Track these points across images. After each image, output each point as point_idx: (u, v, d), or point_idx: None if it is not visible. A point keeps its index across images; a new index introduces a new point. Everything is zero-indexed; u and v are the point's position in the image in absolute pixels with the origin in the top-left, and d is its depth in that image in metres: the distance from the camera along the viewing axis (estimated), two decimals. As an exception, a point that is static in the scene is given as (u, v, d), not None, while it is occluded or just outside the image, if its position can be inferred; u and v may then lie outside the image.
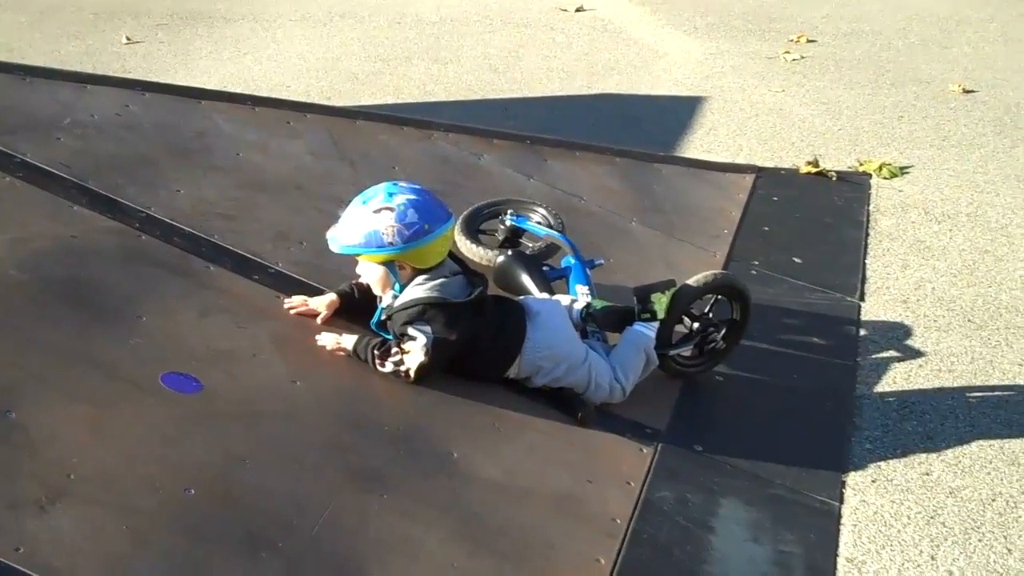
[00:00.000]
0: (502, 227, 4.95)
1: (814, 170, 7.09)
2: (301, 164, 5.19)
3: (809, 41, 10.29)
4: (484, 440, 3.80)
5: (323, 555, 3.07)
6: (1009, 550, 3.88)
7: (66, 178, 4.37)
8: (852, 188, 6.96)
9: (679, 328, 4.46)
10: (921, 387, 4.82)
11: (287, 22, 10.53)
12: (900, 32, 10.69)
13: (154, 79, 6.67)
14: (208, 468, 3.21)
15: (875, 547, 3.87)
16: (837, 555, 3.82)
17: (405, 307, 3.86)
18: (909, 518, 4.02)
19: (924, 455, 4.37)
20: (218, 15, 10.64)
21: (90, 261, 3.95)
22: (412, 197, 3.88)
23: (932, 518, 4.03)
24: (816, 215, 6.54)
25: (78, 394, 3.30)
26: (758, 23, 10.88)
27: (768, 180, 6.88)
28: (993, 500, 4.14)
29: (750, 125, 8.12)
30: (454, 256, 4.08)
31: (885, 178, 7.15)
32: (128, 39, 9.75)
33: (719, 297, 4.52)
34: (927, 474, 4.26)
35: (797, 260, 5.86)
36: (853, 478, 4.22)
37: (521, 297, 4.35)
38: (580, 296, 4.49)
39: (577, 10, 11.25)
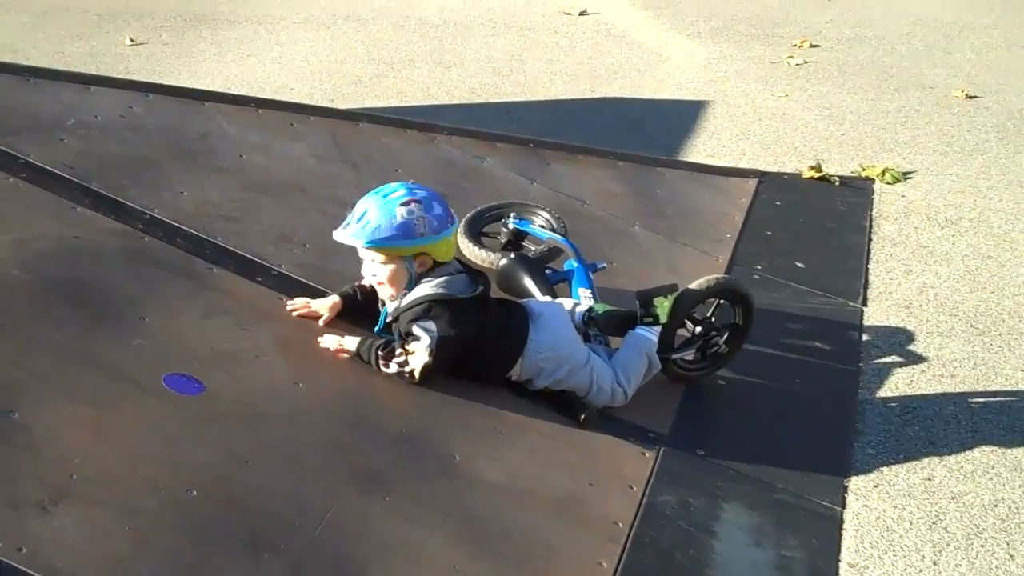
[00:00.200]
0: (505, 230, 4.96)
1: (817, 175, 7.09)
2: (304, 166, 5.20)
3: (812, 46, 10.29)
4: (486, 442, 3.80)
5: (325, 557, 3.07)
6: (1011, 556, 3.88)
7: (70, 179, 4.37)
8: (855, 193, 6.96)
9: (681, 332, 4.46)
10: (923, 392, 4.82)
11: (291, 24, 10.54)
12: (903, 37, 10.69)
13: (158, 81, 6.67)
14: (210, 469, 3.21)
15: (877, 552, 3.86)
16: (839, 560, 3.81)
17: (411, 306, 3.87)
18: (911, 523, 4.01)
19: (926, 460, 4.37)
20: (222, 17, 10.65)
21: (93, 262, 3.95)
22: (429, 191, 3.94)
23: (934, 523, 4.02)
24: (819, 220, 6.53)
25: (80, 395, 3.30)
26: (762, 28, 10.88)
27: (771, 185, 6.88)
28: (995, 506, 4.13)
29: (753, 130, 8.12)
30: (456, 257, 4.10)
31: (888, 183, 7.15)
32: (132, 40, 9.76)
33: (722, 301, 4.51)
34: (929, 479, 4.26)
35: (800, 265, 5.86)
36: (855, 483, 4.22)
37: (523, 300, 4.35)
38: (583, 300, 4.49)
39: (580, 14, 11.26)
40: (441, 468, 3.60)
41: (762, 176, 6.98)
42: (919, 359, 5.08)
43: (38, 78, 5.06)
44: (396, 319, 3.93)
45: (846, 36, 10.69)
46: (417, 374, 3.82)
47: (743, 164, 7.36)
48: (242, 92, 7.21)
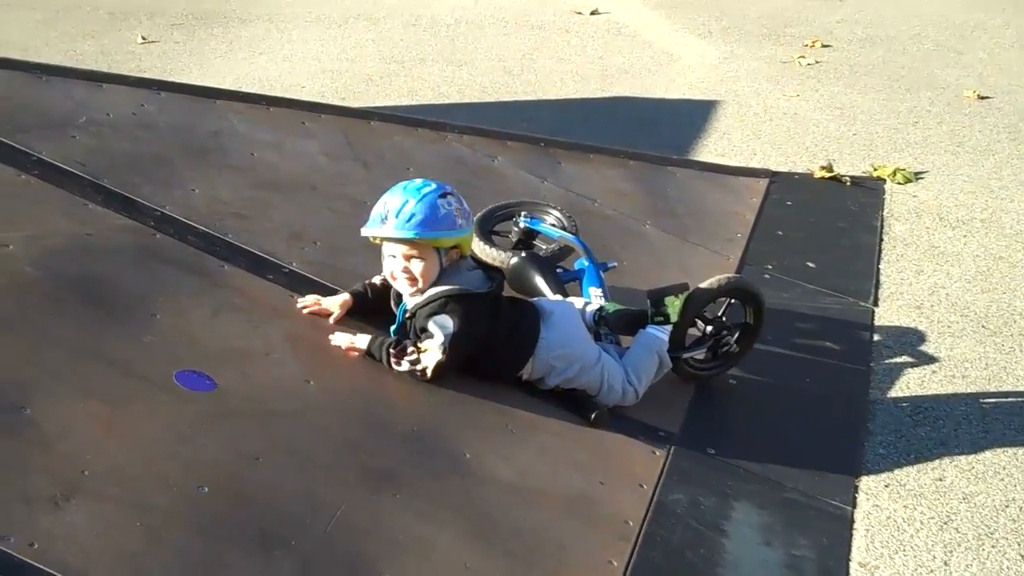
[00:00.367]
0: (516, 229, 4.95)
1: (828, 175, 7.08)
2: (315, 164, 5.20)
3: (824, 46, 10.28)
4: (497, 441, 3.80)
5: (336, 554, 3.07)
6: (1022, 556, 3.87)
7: (81, 176, 4.37)
8: (866, 193, 6.95)
9: (692, 331, 4.45)
10: (935, 392, 4.81)
11: (302, 23, 10.55)
12: (915, 38, 10.67)
13: (169, 78, 6.68)
14: (221, 466, 3.21)
15: (888, 552, 3.86)
16: (850, 560, 3.81)
17: (429, 301, 3.87)
18: (922, 523, 4.01)
19: (937, 461, 4.36)
20: (233, 15, 10.66)
21: (105, 259, 3.96)
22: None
23: (945, 524, 4.01)
24: (830, 220, 6.53)
25: (92, 391, 3.31)
26: (773, 27, 10.87)
27: (782, 184, 6.87)
28: (1007, 506, 4.12)
29: (764, 129, 8.12)
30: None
31: (899, 183, 7.14)
32: (143, 38, 9.78)
33: (732, 301, 4.51)
34: (940, 480, 4.25)
35: (811, 265, 5.85)
36: (866, 483, 4.22)
37: (534, 299, 4.35)
38: (593, 299, 4.49)
39: (592, 13, 11.26)
40: (452, 466, 3.60)
41: (773, 176, 6.97)
42: (930, 359, 5.07)
43: (50, 75, 5.07)
44: (413, 315, 3.93)
45: (857, 36, 10.68)
46: (430, 372, 3.82)
47: (754, 164, 7.36)
48: (253, 90, 7.22)
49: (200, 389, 3.49)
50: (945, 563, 3.82)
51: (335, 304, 4.07)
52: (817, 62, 9.80)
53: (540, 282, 4.53)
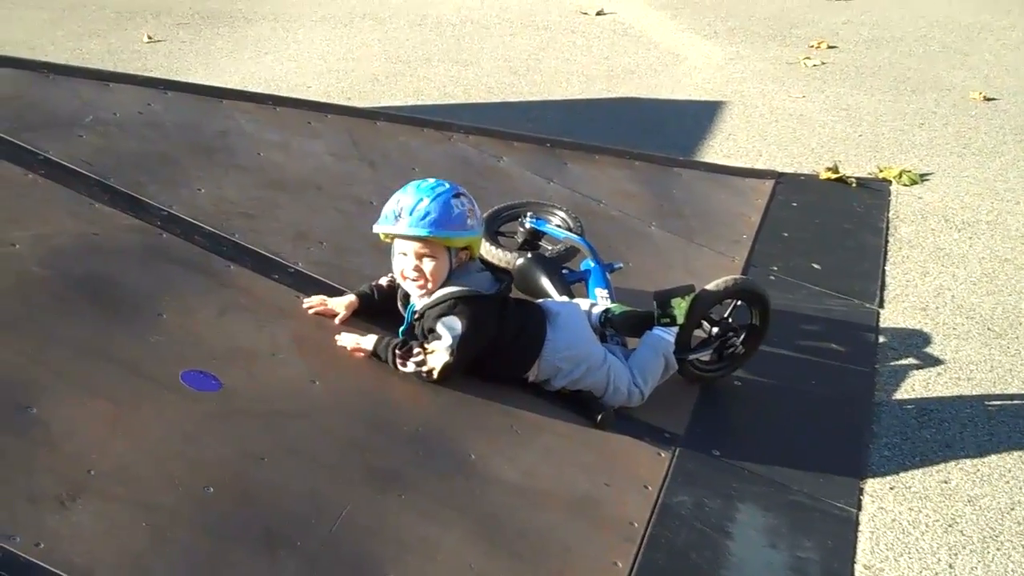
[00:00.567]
0: (521, 229, 4.95)
1: (834, 176, 7.08)
2: (321, 164, 5.20)
3: (830, 47, 10.28)
4: (502, 442, 3.80)
5: (341, 554, 3.08)
6: (1027, 559, 3.88)
7: (88, 176, 4.38)
8: (872, 195, 6.95)
9: (698, 333, 4.45)
10: (940, 395, 4.81)
11: (308, 22, 10.56)
12: (921, 39, 10.67)
13: (175, 78, 6.70)
14: (227, 466, 3.22)
15: (893, 554, 3.86)
16: (855, 562, 3.81)
17: (438, 302, 3.88)
18: (927, 526, 4.01)
19: (942, 463, 4.36)
20: (239, 15, 10.67)
21: (111, 258, 3.96)
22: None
23: (950, 526, 4.01)
24: (836, 221, 6.52)
25: (98, 390, 3.31)
26: (779, 28, 10.87)
27: (788, 186, 6.87)
28: (1012, 509, 4.12)
29: (770, 130, 8.12)
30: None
31: (905, 185, 7.14)
32: (149, 38, 9.79)
33: (738, 302, 4.51)
34: (945, 482, 4.25)
35: (816, 266, 5.85)
36: (871, 485, 4.21)
37: (540, 300, 4.35)
38: (599, 300, 4.49)
39: (598, 14, 11.26)
40: (457, 467, 3.60)
41: (779, 177, 6.97)
42: (935, 361, 5.07)
43: (57, 75, 5.08)
44: (421, 316, 3.93)
45: (863, 37, 10.68)
46: (436, 374, 3.82)
47: (760, 165, 7.36)
48: (259, 90, 7.22)
49: (206, 389, 3.49)
50: (950, 566, 3.82)
51: (341, 305, 4.07)
52: (823, 63, 9.80)
53: (546, 283, 4.53)
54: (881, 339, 5.25)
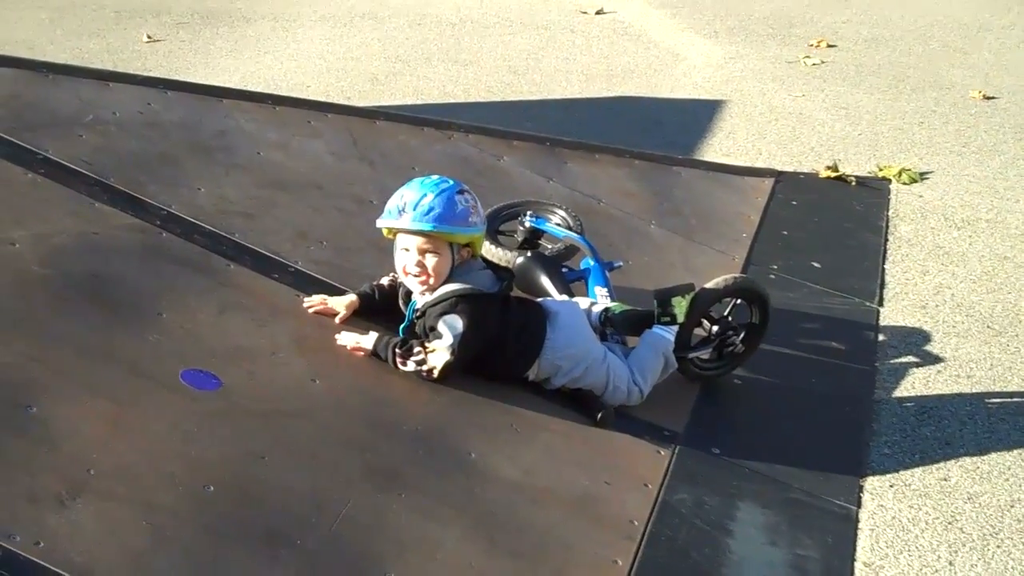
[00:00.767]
0: (521, 228, 4.95)
1: (833, 175, 7.08)
2: (321, 164, 5.20)
3: (829, 46, 10.27)
4: (502, 440, 3.81)
5: (341, 553, 3.08)
6: (1027, 557, 3.88)
7: (88, 175, 4.38)
8: (871, 193, 6.94)
9: (698, 331, 4.46)
10: (939, 392, 4.81)
11: (307, 22, 10.55)
12: (921, 38, 10.66)
13: (175, 77, 6.69)
14: (227, 465, 3.22)
15: (893, 552, 3.86)
16: (854, 560, 3.81)
17: (439, 300, 3.88)
18: (927, 523, 4.01)
19: (942, 461, 4.36)
20: (239, 14, 10.67)
21: (111, 258, 3.97)
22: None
23: (950, 524, 4.01)
24: (835, 220, 6.52)
25: (98, 389, 3.32)
26: (779, 27, 10.87)
27: (787, 184, 6.87)
28: (1012, 506, 4.12)
29: (770, 129, 8.12)
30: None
31: (905, 183, 7.14)
32: (149, 37, 9.79)
33: (738, 301, 4.51)
34: (945, 480, 4.25)
35: (816, 265, 5.85)
36: (871, 483, 4.22)
37: (540, 299, 4.36)
38: (599, 298, 4.50)
39: (597, 13, 11.25)
40: (457, 465, 3.60)
41: (779, 176, 6.97)
42: (935, 359, 5.07)
43: (57, 74, 5.08)
44: (423, 314, 3.93)
45: (863, 36, 10.67)
46: (437, 372, 3.82)
47: (759, 164, 7.36)
48: (259, 89, 7.22)
49: (206, 388, 3.50)
50: (950, 563, 3.82)
51: (341, 304, 4.07)
52: (823, 62, 9.79)
53: (545, 282, 4.53)
54: (881, 337, 5.25)
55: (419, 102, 8.38)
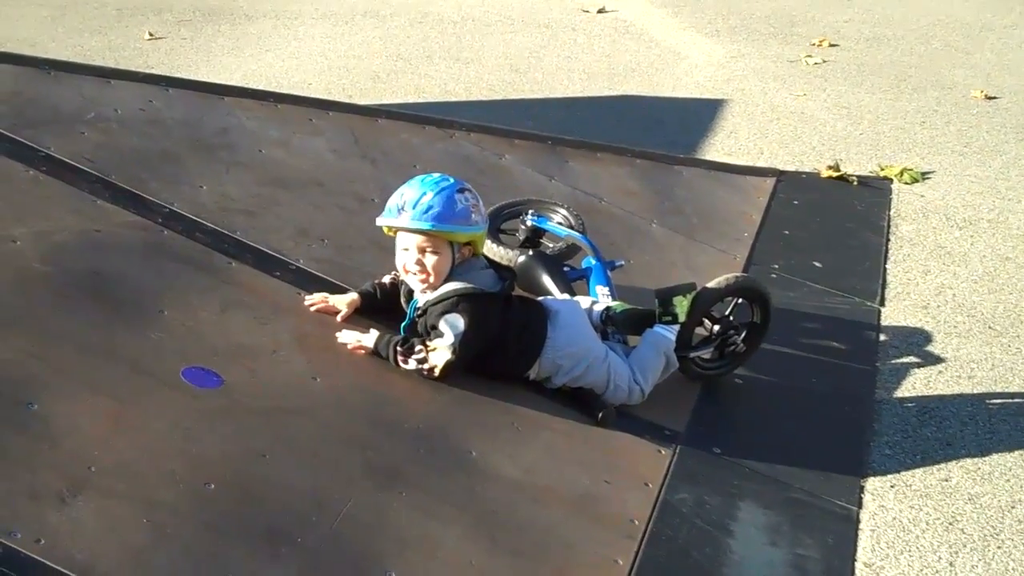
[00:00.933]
0: (523, 227, 4.95)
1: (835, 174, 7.07)
2: (323, 162, 5.20)
3: (831, 45, 10.27)
4: (503, 439, 3.80)
5: (342, 551, 3.08)
6: (1028, 558, 3.88)
7: (90, 172, 4.38)
8: (873, 193, 6.94)
9: (699, 331, 4.46)
10: (940, 393, 4.81)
11: (309, 20, 10.55)
12: (923, 37, 10.66)
13: (177, 75, 6.69)
14: (228, 463, 3.22)
15: (893, 552, 3.86)
16: (855, 560, 3.81)
17: (441, 299, 3.88)
18: (928, 524, 4.01)
19: (943, 461, 4.36)
20: (240, 12, 10.67)
21: (113, 255, 3.97)
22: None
23: (951, 524, 4.01)
24: (837, 219, 6.52)
25: (99, 387, 3.31)
26: (780, 27, 10.87)
27: (789, 184, 6.87)
28: (1012, 507, 4.12)
29: (771, 128, 8.11)
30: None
31: (906, 183, 7.13)
32: (151, 35, 9.79)
33: (739, 300, 4.51)
34: (946, 480, 4.25)
35: (817, 264, 5.85)
36: (872, 483, 4.21)
37: (541, 297, 4.35)
38: (600, 297, 4.49)
39: (599, 11, 11.25)
40: (458, 464, 3.60)
41: (780, 175, 6.97)
42: (936, 360, 5.06)
43: (58, 71, 5.08)
44: (424, 313, 3.93)
45: (865, 35, 10.67)
46: (439, 371, 3.82)
47: (761, 163, 7.35)
48: (260, 87, 7.21)
49: (207, 386, 3.49)
50: (951, 564, 3.82)
51: (343, 302, 4.07)
52: (824, 61, 9.79)
53: (547, 281, 4.53)
54: (882, 337, 5.25)
55: (421, 100, 8.38)
